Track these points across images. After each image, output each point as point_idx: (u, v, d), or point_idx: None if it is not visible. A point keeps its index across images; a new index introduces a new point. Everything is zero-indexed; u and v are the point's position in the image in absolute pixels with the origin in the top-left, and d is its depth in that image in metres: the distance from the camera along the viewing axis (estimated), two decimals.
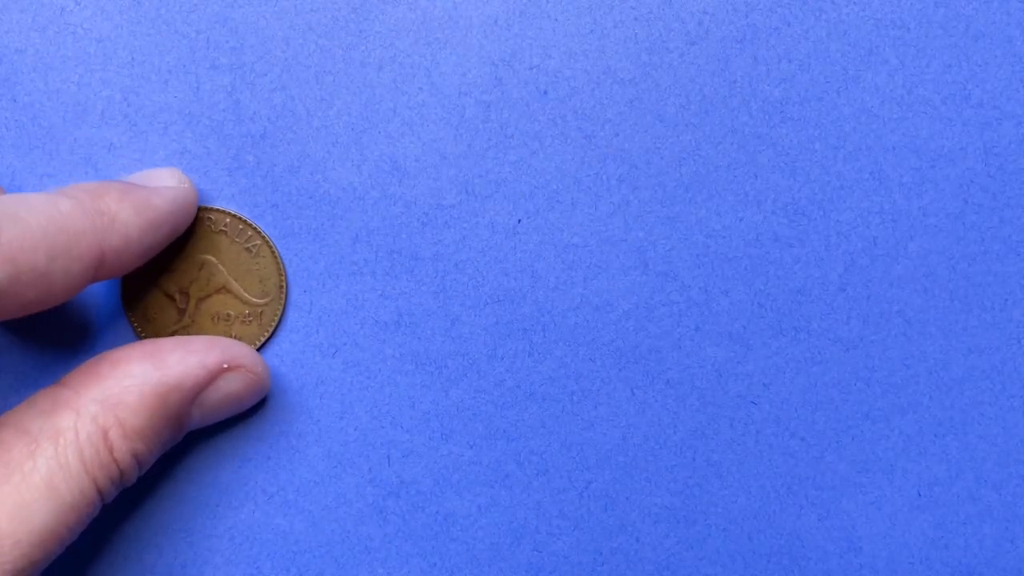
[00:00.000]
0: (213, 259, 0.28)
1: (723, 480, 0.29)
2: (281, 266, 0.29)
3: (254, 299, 0.29)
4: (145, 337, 0.28)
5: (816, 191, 0.29)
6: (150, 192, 0.26)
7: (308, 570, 0.29)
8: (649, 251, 0.29)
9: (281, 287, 0.29)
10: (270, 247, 0.28)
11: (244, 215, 0.29)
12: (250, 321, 0.28)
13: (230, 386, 0.26)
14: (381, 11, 0.29)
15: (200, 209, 0.28)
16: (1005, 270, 0.29)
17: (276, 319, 0.29)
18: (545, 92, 0.29)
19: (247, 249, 0.28)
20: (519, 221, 0.29)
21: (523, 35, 0.29)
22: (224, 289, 0.28)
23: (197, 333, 0.28)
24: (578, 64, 0.29)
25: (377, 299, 0.29)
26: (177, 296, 0.28)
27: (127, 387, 0.25)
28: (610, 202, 0.29)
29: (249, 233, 0.28)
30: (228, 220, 0.28)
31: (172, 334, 0.28)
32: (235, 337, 0.28)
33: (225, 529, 0.29)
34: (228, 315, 0.28)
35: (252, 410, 0.29)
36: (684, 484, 0.29)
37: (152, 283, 0.28)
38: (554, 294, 0.29)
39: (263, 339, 0.29)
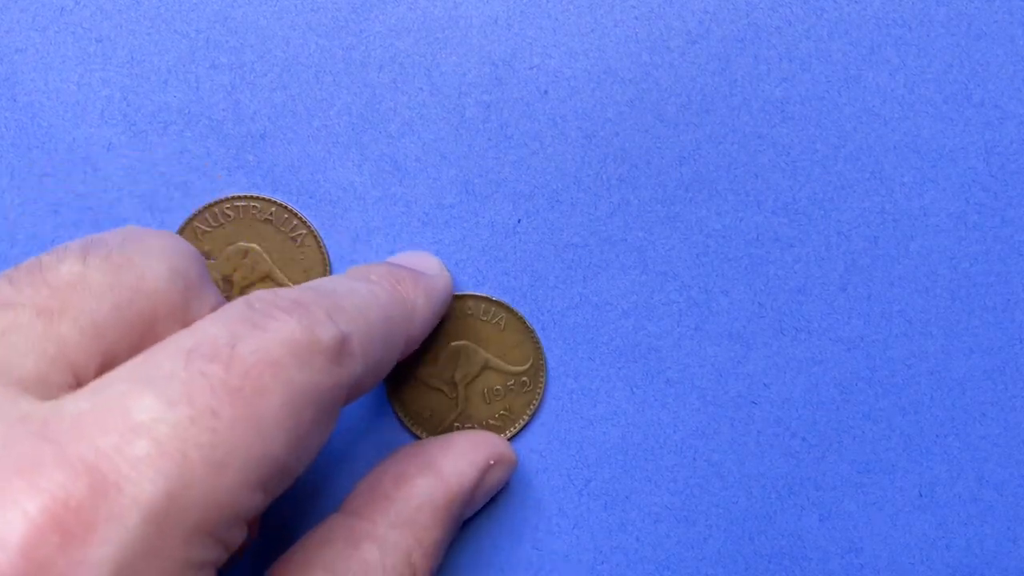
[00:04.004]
0: (257, 247, 0.29)
1: (723, 480, 0.29)
2: (326, 256, 0.29)
3: None
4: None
5: (816, 191, 0.29)
6: (433, 280, 0.27)
7: None
8: (649, 251, 0.29)
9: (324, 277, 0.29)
10: (315, 237, 0.29)
11: (289, 204, 0.29)
12: None
13: (495, 478, 0.27)
14: (381, 11, 0.29)
15: (244, 198, 0.28)
16: (1006, 270, 0.29)
17: None
18: (545, 92, 0.29)
19: (292, 238, 0.29)
20: (519, 221, 0.29)
21: (523, 35, 0.29)
22: (268, 277, 0.29)
23: None
24: (578, 64, 0.29)
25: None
26: (221, 284, 0.28)
27: (418, 506, 0.25)
28: (610, 202, 0.29)
29: (295, 222, 0.29)
30: (274, 209, 0.28)
31: None
32: None
33: None
34: None
35: None
36: (684, 483, 0.29)
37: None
38: (554, 294, 0.29)
39: None
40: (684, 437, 0.29)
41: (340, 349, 0.21)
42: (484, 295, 0.29)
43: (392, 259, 0.28)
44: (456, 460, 0.26)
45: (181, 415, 0.18)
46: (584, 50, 0.29)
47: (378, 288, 0.24)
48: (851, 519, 0.29)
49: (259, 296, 0.21)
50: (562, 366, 0.29)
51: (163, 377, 0.19)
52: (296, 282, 0.29)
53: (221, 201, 0.29)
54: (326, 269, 0.29)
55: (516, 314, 0.29)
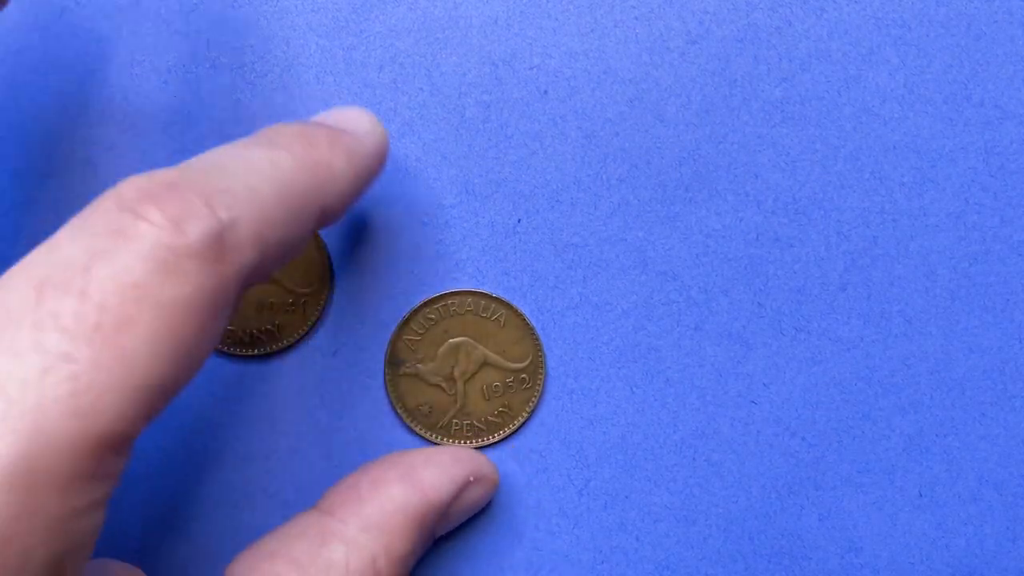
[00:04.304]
0: None
1: (723, 479, 0.29)
2: (326, 256, 0.29)
3: (298, 288, 0.28)
4: None
5: (816, 191, 0.29)
6: (356, 139, 0.24)
7: None
8: (649, 251, 0.29)
9: (324, 277, 0.29)
10: (316, 237, 0.28)
11: None
12: (292, 310, 0.29)
13: (473, 496, 0.27)
14: (381, 11, 0.29)
15: None
16: (1006, 270, 0.29)
17: (320, 308, 0.29)
18: (545, 92, 0.29)
19: None
20: (519, 221, 0.29)
21: (523, 35, 0.29)
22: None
23: (240, 321, 0.28)
24: (578, 64, 0.29)
25: (378, 299, 0.29)
26: None
27: (390, 512, 0.25)
28: (610, 202, 0.29)
29: None
30: None
31: None
32: (278, 325, 0.28)
33: (226, 529, 0.29)
34: (271, 304, 0.28)
35: (251, 411, 0.29)
36: (684, 483, 0.29)
37: None
38: (554, 294, 0.29)
39: (305, 329, 0.29)
40: (684, 437, 0.29)
41: (218, 245, 0.19)
42: (483, 291, 0.29)
43: (315, 118, 0.25)
44: (436, 473, 0.26)
45: (32, 367, 0.17)
46: (584, 50, 0.29)
47: (282, 154, 0.22)
48: (851, 519, 0.29)
49: (130, 185, 0.19)
50: (562, 365, 0.29)
51: (11, 323, 0.17)
52: (296, 284, 0.29)
53: None
54: (326, 269, 0.29)
55: (515, 310, 0.29)
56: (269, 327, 0.28)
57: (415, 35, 0.29)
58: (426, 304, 0.28)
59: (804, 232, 0.29)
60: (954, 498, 0.29)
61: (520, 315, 0.29)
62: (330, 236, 0.29)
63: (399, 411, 0.29)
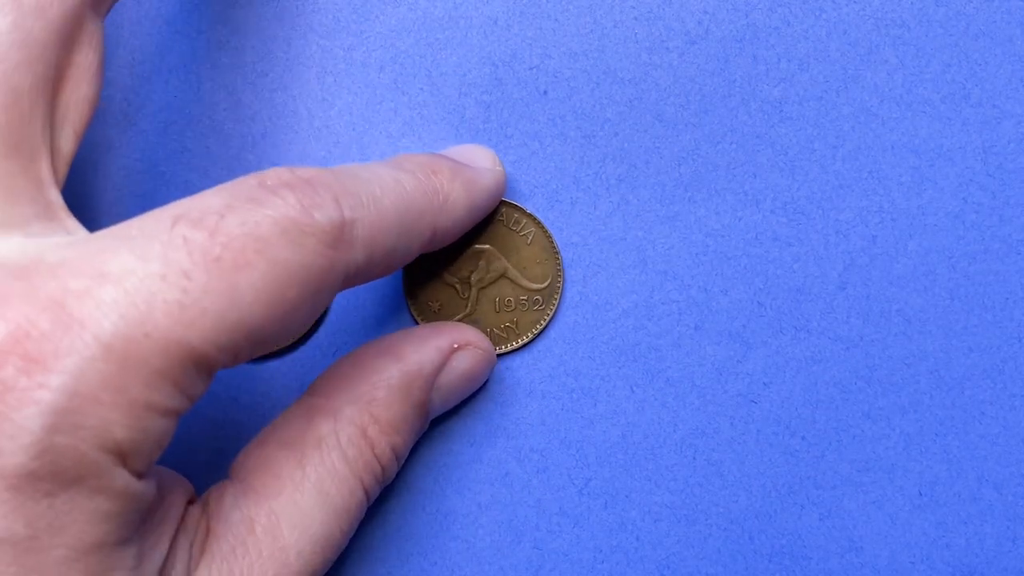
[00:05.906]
0: None
1: (723, 479, 0.29)
2: None
3: None
4: None
5: (816, 190, 0.29)
6: (476, 173, 0.27)
7: None
8: (649, 250, 0.29)
9: None
10: None
11: None
12: None
13: (462, 364, 0.27)
14: (381, 11, 0.29)
15: None
16: (1005, 269, 0.29)
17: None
18: (545, 92, 0.29)
19: None
20: None
21: (523, 35, 0.29)
22: None
23: None
24: (578, 64, 0.29)
25: (378, 299, 0.29)
26: None
27: (374, 383, 0.25)
28: (610, 202, 0.29)
29: None
30: None
31: None
32: None
33: None
34: None
35: (252, 411, 0.29)
36: (684, 483, 0.29)
37: None
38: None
39: (305, 329, 0.28)
40: (684, 436, 0.29)
41: (337, 234, 0.21)
42: (518, 204, 0.29)
43: (444, 151, 0.28)
44: (417, 344, 0.26)
45: (152, 271, 0.19)
46: (584, 50, 0.29)
47: (406, 176, 0.24)
48: (851, 519, 0.29)
49: (274, 173, 0.22)
50: (562, 365, 0.29)
51: (144, 237, 0.20)
52: None
53: None
54: None
55: (545, 231, 0.28)
56: None
57: (415, 35, 0.29)
58: None
59: (803, 232, 0.29)
60: (954, 498, 0.29)
61: (548, 236, 0.28)
62: None
63: (409, 303, 0.28)
